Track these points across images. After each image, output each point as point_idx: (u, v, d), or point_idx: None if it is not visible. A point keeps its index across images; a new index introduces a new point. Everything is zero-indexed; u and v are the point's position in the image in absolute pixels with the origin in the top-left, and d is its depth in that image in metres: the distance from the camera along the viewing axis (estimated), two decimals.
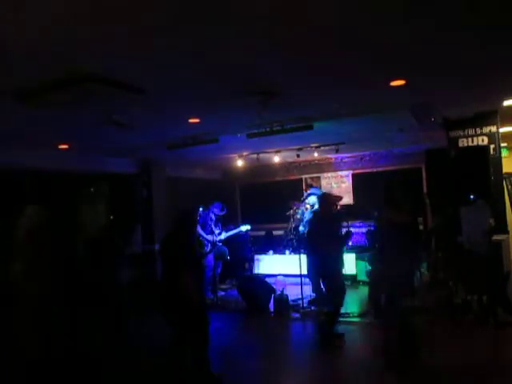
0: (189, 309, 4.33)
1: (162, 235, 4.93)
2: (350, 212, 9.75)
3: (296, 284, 7.55)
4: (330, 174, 11.79)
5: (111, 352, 4.95)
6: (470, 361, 4.73)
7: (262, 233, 11.79)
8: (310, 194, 8.58)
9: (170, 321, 4.46)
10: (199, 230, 8.05)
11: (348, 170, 11.54)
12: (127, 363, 5.04)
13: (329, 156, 10.96)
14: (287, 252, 9.93)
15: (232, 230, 8.86)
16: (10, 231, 3.47)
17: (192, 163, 10.82)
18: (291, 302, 7.19)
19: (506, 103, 6.21)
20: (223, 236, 8.56)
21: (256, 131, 6.40)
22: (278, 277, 9.05)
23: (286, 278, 8.78)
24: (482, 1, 3.09)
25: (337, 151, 9.50)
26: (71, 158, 8.04)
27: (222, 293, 8.61)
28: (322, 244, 5.59)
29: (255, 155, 9.65)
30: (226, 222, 9.24)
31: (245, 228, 9.03)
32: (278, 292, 7.28)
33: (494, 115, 6.72)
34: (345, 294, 5.70)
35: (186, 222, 4.63)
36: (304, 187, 11.67)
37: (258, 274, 9.67)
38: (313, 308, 6.97)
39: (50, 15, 2.88)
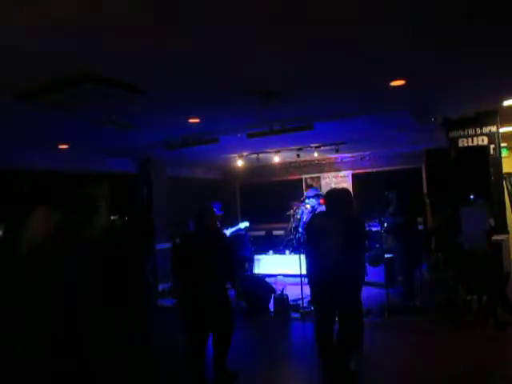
0: (230, 308, 4.56)
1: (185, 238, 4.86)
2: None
3: (296, 284, 7.54)
4: (330, 174, 11.80)
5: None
6: (470, 361, 4.73)
7: (262, 233, 11.79)
8: (308, 197, 8.59)
9: (207, 321, 4.39)
10: None
11: (348, 170, 11.54)
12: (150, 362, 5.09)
13: (329, 156, 10.96)
14: (287, 252, 9.93)
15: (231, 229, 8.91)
16: (14, 231, 3.46)
17: (192, 163, 10.82)
18: (291, 302, 7.18)
19: (506, 103, 6.21)
20: (227, 233, 8.63)
21: (256, 131, 6.40)
22: (278, 277, 9.04)
23: (286, 278, 8.77)
24: (483, 1, 3.10)
25: (337, 151, 9.50)
26: (71, 157, 8.04)
27: None
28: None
29: (255, 155, 9.66)
30: (225, 222, 9.25)
31: (243, 225, 9.05)
32: (278, 292, 7.27)
33: (494, 115, 6.72)
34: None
35: (207, 218, 4.60)
36: (304, 187, 11.68)
37: (258, 274, 9.67)
38: (313, 308, 6.96)
39: (50, 15, 2.88)
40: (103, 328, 3.38)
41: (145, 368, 4.98)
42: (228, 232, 8.84)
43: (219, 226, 8.58)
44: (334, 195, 4.93)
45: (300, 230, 8.46)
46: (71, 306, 3.14)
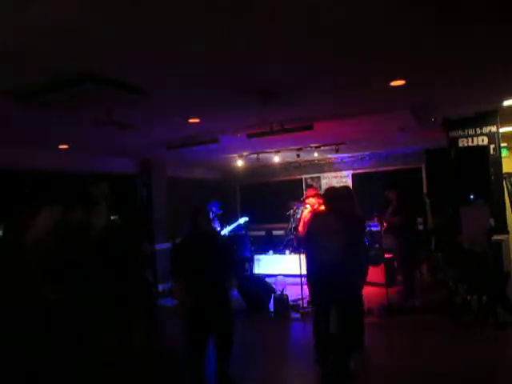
0: (230, 308, 4.52)
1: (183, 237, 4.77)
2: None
3: (296, 284, 7.55)
4: (330, 174, 11.81)
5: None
6: (470, 361, 4.73)
7: (262, 233, 11.79)
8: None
9: (207, 321, 4.35)
10: None
11: (348, 170, 11.55)
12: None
13: (329, 156, 10.96)
14: (287, 252, 9.93)
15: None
16: (14, 231, 3.46)
17: (192, 163, 10.82)
18: (291, 302, 7.19)
19: (506, 103, 6.21)
20: (227, 231, 8.65)
21: (256, 131, 6.40)
22: (278, 277, 9.05)
23: (286, 278, 8.78)
24: (483, 2, 3.10)
25: (337, 151, 9.50)
26: (71, 157, 8.04)
27: None
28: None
29: (255, 155, 9.66)
30: (226, 222, 9.26)
31: (243, 220, 9.08)
32: (278, 292, 7.28)
33: (494, 115, 6.72)
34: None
35: (200, 219, 4.56)
36: (304, 187, 11.68)
37: (258, 274, 9.68)
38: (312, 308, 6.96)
39: (50, 15, 2.88)
40: (106, 327, 3.39)
41: (145, 368, 4.99)
42: (228, 229, 8.86)
43: (218, 225, 8.62)
44: (333, 194, 4.92)
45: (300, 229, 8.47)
46: (74, 306, 3.14)
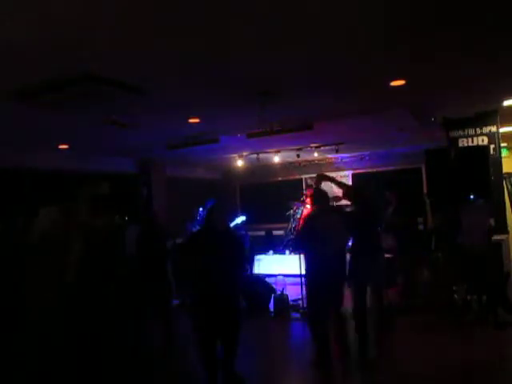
0: (238, 309, 4.49)
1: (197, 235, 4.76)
2: None
3: (296, 284, 7.54)
4: (329, 174, 11.78)
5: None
6: (470, 361, 4.73)
7: (262, 233, 11.78)
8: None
9: (215, 319, 4.28)
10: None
11: (348, 170, 11.55)
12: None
13: (329, 156, 10.96)
14: (287, 252, 9.92)
15: None
16: (12, 231, 3.46)
17: (192, 163, 10.82)
18: (291, 302, 7.19)
19: (506, 103, 6.21)
20: None
21: (256, 131, 6.40)
22: (278, 277, 9.04)
23: (286, 278, 8.77)
24: (483, 2, 3.10)
25: (337, 151, 9.50)
26: (71, 158, 8.04)
27: None
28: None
29: (255, 155, 9.66)
30: None
31: (240, 219, 9.04)
32: (278, 292, 7.28)
33: (494, 115, 6.72)
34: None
35: (217, 216, 4.44)
36: (304, 187, 11.68)
37: (258, 274, 9.67)
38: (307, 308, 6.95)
39: (50, 15, 2.88)
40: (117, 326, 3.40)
41: (157, 367, 5.00)
42: None
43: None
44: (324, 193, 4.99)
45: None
46: (85, 307, 3.15)
